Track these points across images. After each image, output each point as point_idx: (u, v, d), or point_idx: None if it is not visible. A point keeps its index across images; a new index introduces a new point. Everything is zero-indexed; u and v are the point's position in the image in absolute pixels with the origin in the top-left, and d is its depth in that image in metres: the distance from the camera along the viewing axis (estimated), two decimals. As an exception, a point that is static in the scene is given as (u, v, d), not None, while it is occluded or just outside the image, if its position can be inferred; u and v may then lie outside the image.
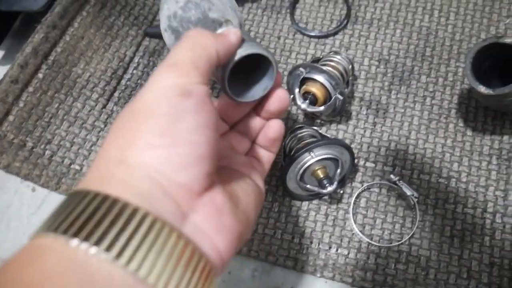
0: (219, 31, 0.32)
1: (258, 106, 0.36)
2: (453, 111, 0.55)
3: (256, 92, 0.33)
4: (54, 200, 0.52)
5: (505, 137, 0.53)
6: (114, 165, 0.22)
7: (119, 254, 0.19)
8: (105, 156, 0.23)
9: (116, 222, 0.20)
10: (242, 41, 0.31)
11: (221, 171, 0.30)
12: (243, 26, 0.37)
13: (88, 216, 0.20)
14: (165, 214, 0.21)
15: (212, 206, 0.24)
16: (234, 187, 0.29)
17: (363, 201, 0.51)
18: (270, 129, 0.35)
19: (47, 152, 0.53)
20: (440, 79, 0.57)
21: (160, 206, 0.21)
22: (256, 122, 0.36)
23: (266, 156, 0.37)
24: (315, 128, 0.51)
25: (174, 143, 0.23)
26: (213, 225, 0.23)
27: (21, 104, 0.53)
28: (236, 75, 0.32)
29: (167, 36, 0.39)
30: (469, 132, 0.53)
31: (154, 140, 0.23)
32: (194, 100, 0.24)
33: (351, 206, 0.50)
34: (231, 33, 0.30)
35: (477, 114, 0.54)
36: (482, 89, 0.45)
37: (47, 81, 0.55)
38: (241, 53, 0.30)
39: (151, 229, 0.20)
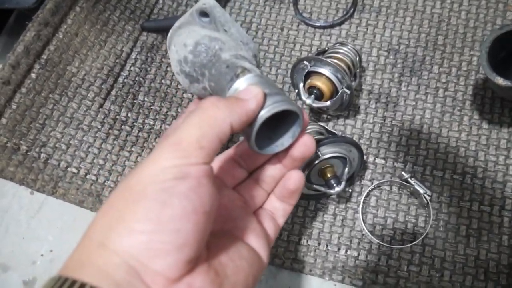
0: (236, 85, 0.30)
1: (281, 151, 0.34)
2: (468, 102, 0.52)
3: (282, 142, 0.31)
4: (53, 203, 0.50)
5: (524, 129, 0.50)
6: (94, 249, 0.23)
7: None
8: (89, 236, 0.24)
9: None
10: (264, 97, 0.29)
11: (220, 239, 0.29)
12: (258, 56, 0.35)
13: None
14: None
15: None
16: (225, 262, 0.27)
17: (373, 200, 0.48)
18: (290, 180, 0.33)
19: (42, 155, 0.51)
20: (454, 69, 0.53)
21: None
22: (276, 170, 0.33)
23: (282, 209, 0.35)
24: (321, 124, 0.49)
25: (156, 230, 0.22)
26: None
27: (14, 106, 0.51)
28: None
29: (181, 80, 0.36)
30: (485, 125, 0.50)
31: (137, 226, 0.22)
32: (188, 183, 0.24)
33: (361, 205, 0.48)
34: (250, 98, 0.27)
35: (494, 106, 0.51)
36: (500, 80, 0.42)
37: (41, 81, 0.52)
38: (265, 114, 0.28)
39: None
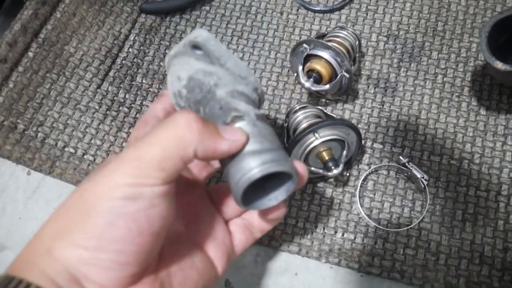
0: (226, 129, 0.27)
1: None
2: (466, 89, 0.52)
3: (276, 196, 0.29)
4: (50, 183, 0.50)
5: (521, 116, 0.50)
6: (41, 253, 0.23)
7: None
8: (39, 238, 0.24)
9: None
10: (258, 143, 0.27)
11: (176, 245, 0.29)
12: (259, 89, 0.31)
13: None
14: None
15: None
16: (174, 271, 0.28)
17: (370, 184, 0.48)
18: (272, 214, 0.32)
19: (40, 134, 0.51)
20: (453, 55, 0.53)
21: None
22: None
23: (259, 226, 0.34)
24: (320, 107, 0.49)
25: (98, 247, 0.23)
26: None
27: (11, 85, 0.50)
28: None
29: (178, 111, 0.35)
30: (483, 111, 0.51)
31: (82, 241, 0.23)
32: (138, 205, 0.23)
33: (358, 189, 0.48)
34: (229, 140, 0.26)
35: (492, 92, 0.51)
36: (499, 65, 0.42)
37: (38, 60, 0.52)
38: (252, 176, 0.25)
39: None
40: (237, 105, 0.28)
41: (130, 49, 0.56)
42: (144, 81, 0.54)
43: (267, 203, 0.29)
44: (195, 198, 0.33)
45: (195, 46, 0.29)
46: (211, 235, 0.32)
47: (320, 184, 0.49)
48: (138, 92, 0.54)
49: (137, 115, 0.52)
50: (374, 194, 0.48)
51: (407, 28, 0.55)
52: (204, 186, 0.35)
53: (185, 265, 0.29)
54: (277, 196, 0.29)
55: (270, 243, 0.46)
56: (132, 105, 0.53)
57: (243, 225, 0.34)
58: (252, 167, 0.26)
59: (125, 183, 0.23)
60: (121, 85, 0.54)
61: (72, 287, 0.22)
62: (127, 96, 0.53)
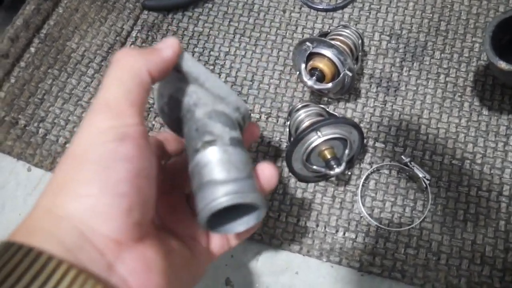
0: (197, 159, 0.27)
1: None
2: (469, 89, 0.52)
3: (235, 226, 0.28)
4: (49, 180, 0.50)
5: (523, 117, 0.50)
6: (43, 215, 0.22)
7: None
8: (36, 205, 0.23)
9: (39, 276, 0.19)
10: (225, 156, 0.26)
11: (165, 234, 0.29)
12: (242, 107, 0.30)
13: (10, 270, 0.19)
14: (91, 266, 0.21)
15: (140, 260, 0.23)
16: (172, 249, 0.28)
17: (372, 183, 0.48)
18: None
19: (41, 130, 0.50)
20: (455, 55, 0.53)
21: (86, 258, 0.21)
22: None
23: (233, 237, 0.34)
24: (322, 106, 0.48)
25: (100, 193, 0.22)
26: (140, 280, 0.23)
27: (13, 80, 0.50)
28: None
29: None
30: (485, 111, 0.51)
31: (81, 190, 0.22)
32: (129, 145, 0.23)
33: (360, 188, 0.48)
34: (165, 47, 0.27)
35: (494, 92, 0.51)
36: (502, 64, 0.42)
37: (40, 56, 0.52)
38: (215, 206, 0.25)
39: (73, 283, 0.20)
40: (212, 128, 0.28)
41: (132, 46, 0.56)
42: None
43: (236, 228, 0.28)
44: (174, 200, 0.33)
45: (175, 68, 0.29)
46: (189, 235, 0.32)
47: (322, 183, 0.48)
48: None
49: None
50: (376, 194, 0.48)
51: (410, 28, 0.55)
52: (184, 190, 0.34)
53: (180, 254, 0.29)
54: (247, 222, 0.28)
55: (271, 241, 0.46)
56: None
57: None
58: (215, 197, 0.25)
59: (108, 126, 0.23)
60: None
61: (81, 245, 0.21)
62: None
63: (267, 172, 0.30)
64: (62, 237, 0.21)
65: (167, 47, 0.27)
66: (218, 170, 0.26)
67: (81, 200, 0.22)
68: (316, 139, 0.43)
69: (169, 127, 0.33)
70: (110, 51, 0.55)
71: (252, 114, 0.52)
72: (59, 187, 0.23)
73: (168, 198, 0.32)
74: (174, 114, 0.31)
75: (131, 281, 0.22)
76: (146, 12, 0.58)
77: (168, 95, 0.30)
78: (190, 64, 0.28)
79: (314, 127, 0.42)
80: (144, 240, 0.24)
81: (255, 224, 0.28)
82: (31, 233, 0.22)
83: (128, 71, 0.25)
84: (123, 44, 0.56)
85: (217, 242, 0.33)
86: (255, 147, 0.50)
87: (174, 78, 0.29)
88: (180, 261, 0.28)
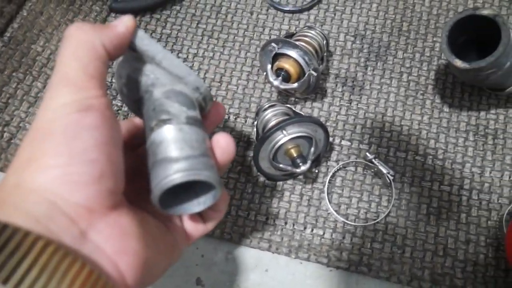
0: (152, 138, 0.27)
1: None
2: (430, 87, 0.53)
3: (191, 206, 0.28)
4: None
5: (482, 113, 0.52)
6: (11, 190, 0.22)
7: (6, 280, 0.18)
8: (4, 181, 0.23)
9: (3, 250, 0.19)
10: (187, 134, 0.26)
11: (139, 209, 0.28)
12: (202, 87, 0.30)
13: None
14: (62, 235, 0.21)
15: (115, 227, 0.23)
16: (147, 220, 0.28)
17: (338, 180, 0.49)
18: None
19: (6, 134, 0.50)
20: (417, 55, 0.55)
21: (57, 228, 0.21)
22: None
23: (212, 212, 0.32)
24: (288, 106, 0.49)
25: (69, 162, 0.22)
26: (115, 246, 0.23)
27: (-24, 84, 0.49)
28: None
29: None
30: (446, 109, 0.52)
31: (49, 161, 0.22)
32: (94, 115, 0.23)
33: (326, 186, 0.49)
34: (119, 24, 0.26)
35: (454, 90, 0.53)
36: (458, 63, 0.44)
37: (4, 59, 0.51)
38: (168, 183, 0.25)
39: (42, 253, 0.19)
40: (169, 107, 0.28)
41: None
42: (113, 80, 0.54)
43: (192, 208, 0.28)
44: (146, 185, 0.32)
45: (130, 46, 0.28)
46: (162, 215, 0.31)
47: (290, 181, 0.49)
48: (108, 92, 0.53)
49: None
50: (342, 190, 0.49)
51: (373, 28, 0.57)
52: None
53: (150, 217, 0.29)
54: (204, 202, 0.28)
55: (240, 240, 0.47)
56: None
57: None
58: (167, 175, 0.25)
59: (71, 100, 0.23)
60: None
61: (51, 215, 0.21)
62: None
63: (222, 141, 0.30)
64: (30, 209, 0.21)
65: (121, 23, 0.26)
66: (171, 148, 0.26)
67: (49, 171, 0.22)
68: (282, 137, 0.43)
69: (129, 108, 0.32)
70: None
71: (220, 115, 0.52)
72: (26, 162, 0.22)
73: (140, 182, 0.31)
74: (133, 95, 0.30)
75: (106, 248, 0.22)
76: (113, 14, 0.58)
77: (126, 75, 0.29)
78: (145, 43, 0.27)
79: (279, 126, 0.43)
80: (118, 208, 0.24)
81: (212, 204, 0.28)
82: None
83: (82, 45, 0.24)
84: (90, 47, 0.55)
85: (190, 223, 0.32)
86: (224, 147, 0.51)
87: (131, 58, 0.29)
88: (156, 231, 0.28)
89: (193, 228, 0.32)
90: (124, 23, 0.26)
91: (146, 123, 0.29)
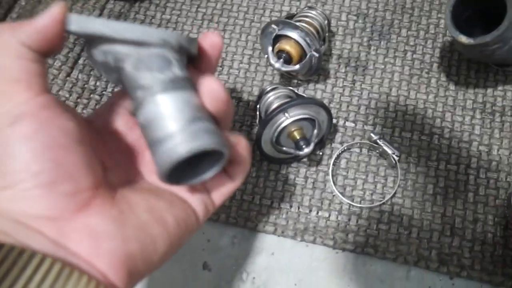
0: (138, 117, 0.25)
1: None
2: (435, 65, 0.52)
3: (199, 175, 0.27)
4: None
5: (489, 90, 0.51)
6: None
7: None
8: None
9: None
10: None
11: (129, 191, 0.26)
12: (174, 38, 0.25)
13: None
14: (35, 247, 0.20)
15: (83, 230, 0.22)
16: (135, 200, 0.26)
17: (343, 162, 0.49)
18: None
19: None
20: (422, 32, 0.54)
21: (27, 239, 0.20)
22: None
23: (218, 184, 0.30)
24: (291, 88, 0.49)
25: (14, 180, 0.21)
26: (87, 250, 0.22)
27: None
28: None
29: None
30: (451, 87, 0.51)
31: None
32: (26, 123, 0.21)
33: (331, 168, 0.48)
34: (43, 15, 0.23)
35: (460, 68, 0.52)
36: (463, 38, 0.43)
37: (4, 49, 0.51)
38: (181, 152, 0.23)
39: (18, 261, 0.19)
40: (140, 80, 0.25)
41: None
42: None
43: (203, 176, 0.27)
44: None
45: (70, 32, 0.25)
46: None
47: (294, 164, 0.49)
48: (92, 73, 0.53)
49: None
50: (347, 172, 0.48)
51: (376, 7, 0.55)
52: None
53: (148, 196, 0.27)
54: (208, 172, 0.27)
55: (246, 224, 0.47)
56: (104, 92, 0.52)
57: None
58: (161, 158, 0.24)
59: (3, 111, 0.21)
60: (91, 73, 0.53)
61: (17, 229, 0.20)
62: (97, 83, 0.53)
63: (206, 88, 0.26)
64: None
65: (44, 15, 0.23)
66: (155, 128, 0.24)
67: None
68: (285, 120, 0.43)
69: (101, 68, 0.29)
70: (76, 42, 0.54)
71: (223, 100, 0.52)
72: None
73: (143, 156, 0.30)
74: (113, 78, 0.28)
75: (80, 252, 0.22)
76: (112, 1, 0.57)
77: (95, 62, 0.27)
78: (82, 25, 0.24)
79: (281, 108, 0.42)
80: (86, 208, 0.23)
81: (221, 168, 0.27)
82: None
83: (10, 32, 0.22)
84: (90, 35, 0.55)
85: (214, 184, 0.30)
86: (227, 132, 0.50)
87: (87, 44, 0.26)
88: (149, 216, 0.26)
89: (219, 188, 0.30)
90: (49, 13, 0.23)
91: (131, 104, 0.27)
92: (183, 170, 0.26)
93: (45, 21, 0.23)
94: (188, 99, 0.25)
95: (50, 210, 0.21)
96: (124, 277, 0.23)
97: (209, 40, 0.28)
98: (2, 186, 0.21)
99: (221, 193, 0.30)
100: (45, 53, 0.23)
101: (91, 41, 0.26)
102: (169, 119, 0.24)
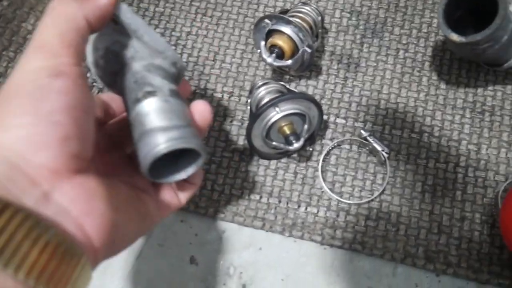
0: (137, 109, 0.27)
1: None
2: (427, 63, 0.53)
3: (176, 174, 0.30)
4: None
5: (479, 90, 0.51)
6: None
7: None
8: None
9: None
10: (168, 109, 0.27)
11: (110, 177, 0.28)
12: (179, 62, 0.30)
13: None
14: (23, 197, 0.20)
15: (81, 188, 0.23)
16: (117, 185, 0.28)
17: (333, 158, 0.49)
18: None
19: (-3, 114, 0.49)
20: (414, 31, 0.54)
21: (17, 189, 0.21)
22: None
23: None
24: (282, 83, 0.49)
25: (34, 122, 0.22)
26: (80, 208, 0.22)
27: (-35, 63, 0.49)
28: None
29: (98, 81, 0.33)
30: (442, 85, 0.51)
31: (13, 121, 0.22)
32: (64, 80, 0.23)
33: (320, 164, 0.48)
34: None
35: (451, 67, 0.52)
36: (454, 36, 0.43)
37: (-6, 38, 0.51)
38: (160, 150, 0.26)
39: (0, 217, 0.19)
40: (151, 80, 0.28)
41: (91, 27, 0.55)
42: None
43: (177, 176, 0.29)
44: (114, 158, 0.32)
45: (113, 19, 0.29)
46: (133, 184, 0.31)
47: (284, 160, 0.49)
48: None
49: (99, 93, 0.52)
50: (337, 168, 0.48)
51: (370, 4, 0.55)
52: (125, 149, 0.34)
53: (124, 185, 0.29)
54: (187, 170, 0.29)
55: (234, 218, 0.47)
56: (94, 83, 0.52)
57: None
58: (158, 142, 0.26)
59: (43, 65, 0.23)
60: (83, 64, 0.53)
61: (11, 175, 0.21)
62: (88, 74, 0.52)
63: (199, 107, 0.31)
64: None
65: None
66: (160, 118, 0.27)
67: (13, 130, 0.21)
68: (275, 114, 0.43)
69: (102, 80, 0.32)
70: (68, 32, 0.53)
71: (214, 94, 0.52)
72: None
73: (109, 155, 0.32)
74: (110, 67, 0.30)
75: (71, 209, 0.22)
76: (105, -8, 0.57)
77: (104, 47, 0.30)
78: (128, 16, 0.28)
79: (272, 103, 0.42)
80: (84, 172, 0.24)
81: (197, 169, 0.30)
82: None
83: (63, 15, 0.24)
84: (81, 26, 0.54)
85: (165, 194, 0.32)
86: (218, 126, 0.50)
87: (111, 30, 0.29)
88: (127, 198, 0.28)
89: (168, 200, 0.32)
90: None
91: (127, 95, 0.29)
92: (158, 169, 0.28)
93: (104, 0, 0.26)
94: (187, 109, 0.30)
95: (55, 163, 0.22)
96: (105, 243, 0.24)
97: (184, 89, 0.32)
98: (16, 124, 0.22)
99: (169, 206, 0.33)
100: (93, 31, 0.26)
101: (120, 30, 0.28)
102: (174, 115, 0.28)
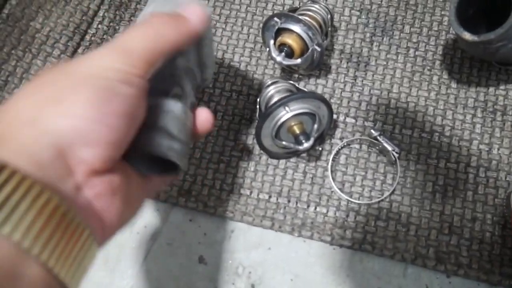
0: (167, 102, 0.28)
1: None
2: (438, 62, 0.52)
3: (156, 172, 0.30)
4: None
5: (491, 89, 0.51)
6: (22, 125, 0.21)
7: (2, 224, 0.18)
8: (15, 110, 0.22)
9: (2, 190, 0.18)
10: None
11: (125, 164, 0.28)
12: (208, 82, 0.33)
13: None
14: (58, 184, 0.21)
15: (107, 185, 0.24)
16: (130, 175, 0.28)
17: (342, 158, 0.49)
18: None
19: (6, 113, 0.49)
20: (425, 29, 0.53)
21: (55, 175, 0.21)
22: None
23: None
24: (291, 82, 0.48)
25: (95, 118, 0.22)
26: (103, 204, 0.23)
27: (-26, 62, 0.49)
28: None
29: None
30: (453, 84, 0.51)
31: (76, 109, 0.22)
32: (131, 89, 0.24)
33: (330, 163, 0.48)
34: (196, 18, 0.28)
35: (463, 66, 0.52)
36: (467, 35, 0.42)
37: (2, 36, 0.50)
38: (166, 154, 0.27)
39: (37, 200, 0.19)
40: (184, 84, 0.29)
41: (100, 26, 0.55)
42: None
43: (157, 173, 0.31)
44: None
45: None
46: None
47: (293, 159, 0.49)
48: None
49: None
50: (346, 168, 0.48)
51: (379, 2, 0.55)
52: None
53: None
54: (169, 173, 0.30)
55: (243, 218, 0.46)
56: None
57: None
58: (160, 143, 0.27)
59: (117, 68, 0.23)
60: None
61: (53, 162, 0.21)
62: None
63: (203, 114, 0.32)
64: (37, 152, 0.20)
65: (195, 15, 0.28)
66: (172, 124, 0.28)
67: (71, 118, 0.22)
68: (285, 114, 0.43)
69: None
70: (76, 31, 0.53)
71: (223, 92, 0.52)
72: (48, 100, 0.22)
73: None
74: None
75: (95, 204, 0.23)
76: (113, -10, 0.57)
77: None
78: (208, 31, 0.30)
79: (282, 102, 0.42)
80: (113, 169, 0.24)
81: (174, 177, 0.32)
82: (4, 143, 0.20)
83: (158, 35, 0.25)
84: (90, 24, 0.54)
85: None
86: (226, 125, 0.50)
87: (172, 5, 0.30)
88: (135, 187, 0.28)
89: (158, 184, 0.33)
90: (199, 18, 0.28)
91: (156, 76, 0.29)
92: (142, 161, 0.29)
93: (198, 27, 0.28)
94: (191, 124, 0.31)
95: (96, 162, 0.23)
96: (110, 237, 0.25)
97: (201, 116, 0.32)
98: (79, 114, 0.22)
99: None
100: (177, 51, 0.28)
101: None
102: (183, 129, 0.29)
